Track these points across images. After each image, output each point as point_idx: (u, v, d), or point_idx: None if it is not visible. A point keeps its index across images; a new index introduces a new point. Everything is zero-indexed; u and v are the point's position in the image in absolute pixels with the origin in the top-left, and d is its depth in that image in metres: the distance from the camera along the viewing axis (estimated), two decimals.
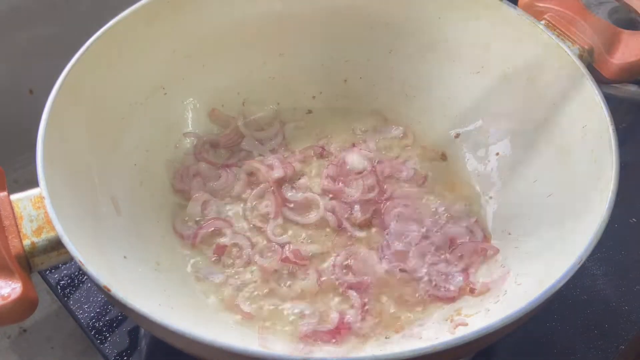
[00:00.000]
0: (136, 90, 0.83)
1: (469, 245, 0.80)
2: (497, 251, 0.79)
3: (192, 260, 0.79)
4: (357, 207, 0.84)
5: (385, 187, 0.86)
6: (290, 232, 0.82)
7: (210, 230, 0.81)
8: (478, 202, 0.86)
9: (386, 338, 0.72)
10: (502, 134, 0.87)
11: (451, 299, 0.76)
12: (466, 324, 0.70)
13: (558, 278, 0.58)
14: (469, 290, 0.76)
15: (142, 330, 0.82)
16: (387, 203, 0.84)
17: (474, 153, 0.90)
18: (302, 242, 0.81)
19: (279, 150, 0.91)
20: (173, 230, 0.82)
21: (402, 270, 0.78)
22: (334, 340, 0.72)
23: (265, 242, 0.81)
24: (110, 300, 0.60)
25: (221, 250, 0.79)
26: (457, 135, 0.92)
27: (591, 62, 0.85)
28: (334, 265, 0.78)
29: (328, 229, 0.83)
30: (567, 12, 0.86)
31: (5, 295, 0.55)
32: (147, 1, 0.80)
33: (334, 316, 0.74)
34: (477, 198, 0.86)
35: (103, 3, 0.99)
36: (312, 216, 0.83)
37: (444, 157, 0.91)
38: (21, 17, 1.02)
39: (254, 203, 0.85)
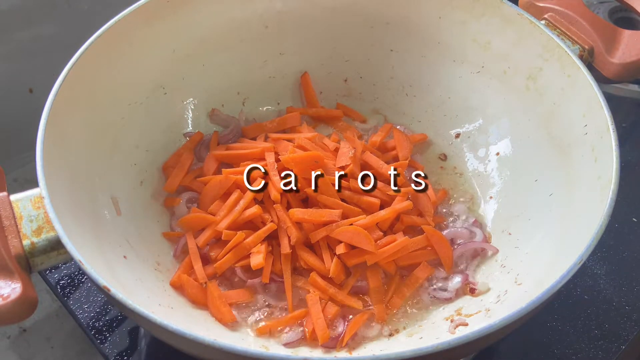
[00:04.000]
0: (136, 89, 0.83)
1: (469, 245, 0.80)
2: (497, 251, 0.79)
3: None
4: None
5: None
6: None
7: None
8: (478, 202, 0.86)
9: (386, 339, 0.72)
10: (502, 134, 0.87)
11: (449, 299, 0.76)
12: (466, 324, 0.70)
13: (559, 278, 0.58)
14: (469, 290, 0.76)
15: (142, 330, 0.82)
16: None
17: (474, 153, 0.90)
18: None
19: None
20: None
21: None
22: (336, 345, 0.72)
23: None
24: (110, 300, 0.60)
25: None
26: (458, 135, 0.92)
27: (591, 62, 0.85)
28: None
29: None
30: (568, 12, 0.86)
31: (5, 295, 0.55)
32: (147, 1, 0.80)
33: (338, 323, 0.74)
34: (478, 198, 0.86)
35: (103, 3, 1.00)
36: None
37: (444, 156, 0.91)
38: (21, 16, 1.02)
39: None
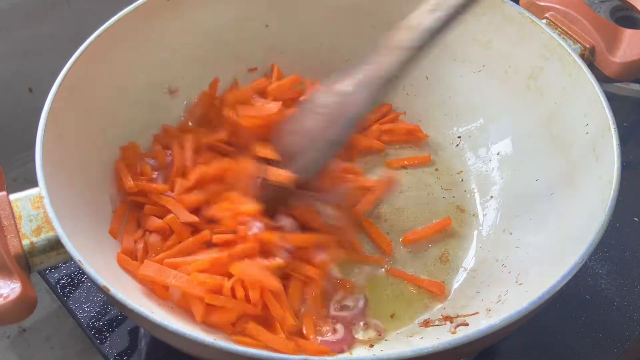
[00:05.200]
0: (136, 89, 0.83)
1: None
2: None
3: None
4: None
5: None
6: None
7: None
8: (479, 202, 0.86)
9: (386, 340, 0.72)
10: (503, 133, 0.87)
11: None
12: (467, 324, 0.70)
13: (560, 277, 0.58)
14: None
15: (142, 330, 0.82)
16: None
17: (475, 152, 0.90)
18: None
19: None
20: None
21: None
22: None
23: None
24: (110, 301, 0.60)
25: None
26: (458, 135, 0.91)
27: (592, 61, 0.85)
28: None
29: None
30: (569, 11, 0.86)
31: (5, 295, 0.55)
32: (147, 0, 0.80)
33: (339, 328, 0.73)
34: (479, 197, 0.86)
35: (103, 2, 0.99)
36: None
37: (444, 156, 0.91)
38: (21, 15, 1.02)
39: None
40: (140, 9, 0.79)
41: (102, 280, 0.56)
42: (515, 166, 0.84)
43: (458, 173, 0.89)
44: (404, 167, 0.90)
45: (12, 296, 0.55)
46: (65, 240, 0.58)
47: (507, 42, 0.84)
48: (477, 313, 0.71)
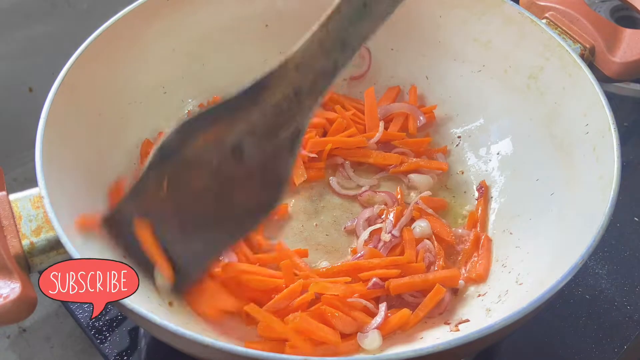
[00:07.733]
0: (135, 88, 0.83)
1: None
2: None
3: None
4: None
5: None
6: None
7: None
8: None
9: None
10: (503, 133, 0.87)
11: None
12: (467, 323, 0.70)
13: (560, 277, 0.58)
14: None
15: (142, 330, 0.82)
16: None
17: (475, 152, 0.89)
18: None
19: None
20: None
21: None
22: None
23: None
24: None
25: None
26: (458, 135, 0.91)
27: (592, 61, 0.85)
28: None
29: None
30: (569, 11, 0.86)
31: (5, 295, 0.55)
32: (147, 0, 0.80)
33: None
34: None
35: (103, 2, 0.99)
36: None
37: (445, 156, 0.91)
38: (21, 15, 1.02)
39: None
40: (140, 9, 0.79)
41: None
42: (515, 166, 0.84)
43: (458, 173, 0.89)
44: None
45: (12, 296, 0.55)
46: (65, 240, 0.58)
47: (507, 42, 0.84)
48: (477, 313, 0.71)
